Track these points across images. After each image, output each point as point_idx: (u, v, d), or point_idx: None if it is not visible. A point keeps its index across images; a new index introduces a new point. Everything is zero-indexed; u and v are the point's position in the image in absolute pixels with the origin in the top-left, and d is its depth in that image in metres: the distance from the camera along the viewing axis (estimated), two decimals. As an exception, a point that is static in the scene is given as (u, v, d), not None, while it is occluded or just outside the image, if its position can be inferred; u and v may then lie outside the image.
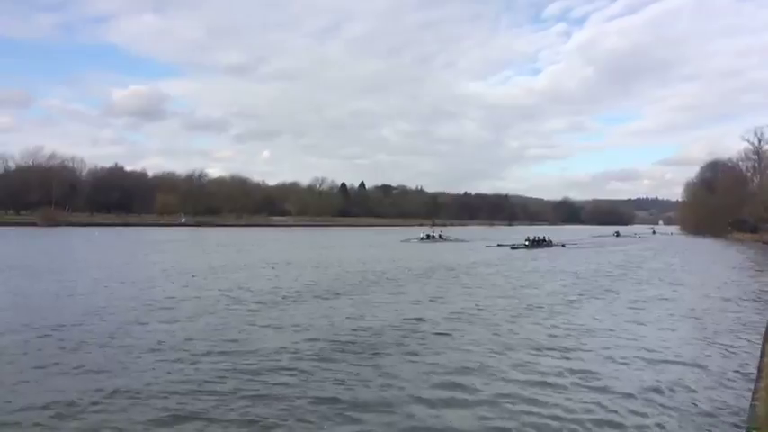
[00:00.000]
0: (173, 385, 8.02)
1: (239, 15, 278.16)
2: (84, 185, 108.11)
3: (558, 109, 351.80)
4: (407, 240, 55.36)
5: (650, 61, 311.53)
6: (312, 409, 7.19)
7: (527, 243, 47.95)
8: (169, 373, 8.64)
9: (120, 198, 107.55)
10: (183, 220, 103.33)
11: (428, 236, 57.48)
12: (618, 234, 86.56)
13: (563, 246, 50.87)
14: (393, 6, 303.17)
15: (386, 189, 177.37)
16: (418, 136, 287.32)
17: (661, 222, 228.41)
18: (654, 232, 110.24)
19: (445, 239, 57.90)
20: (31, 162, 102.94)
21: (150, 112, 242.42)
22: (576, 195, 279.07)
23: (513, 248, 44.89)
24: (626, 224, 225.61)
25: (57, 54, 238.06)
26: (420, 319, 13.09)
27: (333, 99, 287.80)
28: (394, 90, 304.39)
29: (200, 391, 7.78)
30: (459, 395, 7.81)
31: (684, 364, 9.72)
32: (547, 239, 51.42)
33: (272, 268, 26.14)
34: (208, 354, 9.77)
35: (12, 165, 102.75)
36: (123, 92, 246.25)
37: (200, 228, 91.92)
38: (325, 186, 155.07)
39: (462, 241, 57.99)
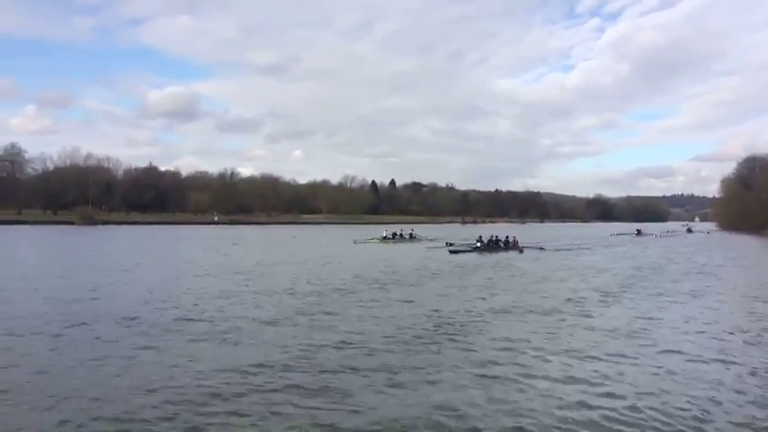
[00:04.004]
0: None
1: (272, 14, 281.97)
2: (120, 185, 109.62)
3: (591, 106, 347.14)
4: (366, 241, 46.10)
5: (687, 56, 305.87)
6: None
7: (479, 245, 36.22)
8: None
9: (154, 197, 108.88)
10: (216, 219, 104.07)
11: (394, 234, 48.44)
12: (639, 232, 74.95)
13: (541, 248, 38.20)
14: (425, 2, 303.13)
15: (416, 187, 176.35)
16: (449, 134, 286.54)
17: (697, 219, 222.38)
18: (689, 230, 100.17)
19: (416, 239, 48.76)
20: (68, 162, 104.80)
21: (184, 112, 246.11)
22: (610, 192, 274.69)
23: (452, 252, 33.78)
24: (661, 221, 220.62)
25: (94, 56, 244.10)
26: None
27: (364, 97, 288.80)
28: (425, 87, 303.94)
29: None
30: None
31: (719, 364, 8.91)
32: (511, 240, 37.89)
33: (321, 263, 26.64)
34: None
35: (50, 165, 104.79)
36: (159, 93, 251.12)
37: (232, 226, 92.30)
38: (355, 184, 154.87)
39: (435, 240, 46.86)
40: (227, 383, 7.61)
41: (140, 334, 10.62)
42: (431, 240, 47.26)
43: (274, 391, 7.39)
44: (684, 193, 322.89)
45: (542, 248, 38.72)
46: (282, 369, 8.28)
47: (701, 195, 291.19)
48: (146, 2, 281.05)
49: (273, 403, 6.93)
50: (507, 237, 38.68)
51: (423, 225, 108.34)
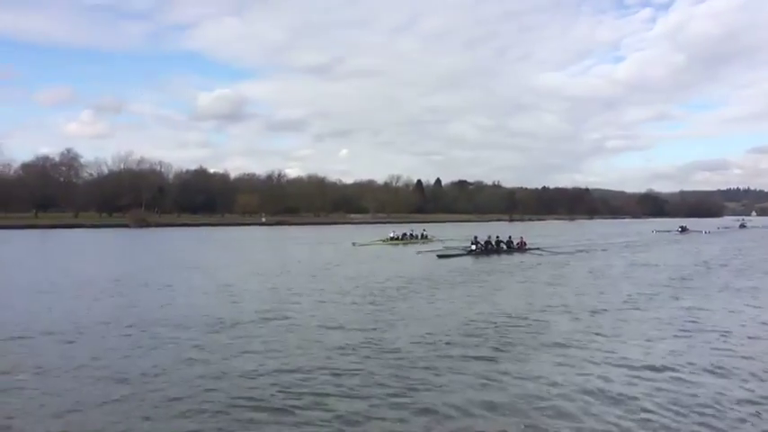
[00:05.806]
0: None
1: (318, 15, 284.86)
2: (171, 188, 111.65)
3: (641, 98, 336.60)
4: (369, 243, 41.47)
5: (742, 45, 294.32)
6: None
7: (474, 248, 31.52)
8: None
9: (204, 199, 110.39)
10: (264, 220, 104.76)
11: (403, 235, 44.85)
12: (684, 229, 66.92)
13: (539, 251, 33.19)
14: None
15: (462, 185, 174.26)
16: (494, 130, 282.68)
17: (754, 213, 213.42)
18: (742, 225, 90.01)
19: (429, 240, 44.28)
20: (122, 166, 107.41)
21: (233, 114, 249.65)
22: (661, 187, 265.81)
23: (440, 257, 29.28)
24: (715, 216, 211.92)
25: (146, 61, 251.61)
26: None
27: (408, 95, 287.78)
28: (469, 84, 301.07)
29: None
30: None
31: None
32: (517, 242, 34.28)
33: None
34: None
35: (105, 170, 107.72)
36: (208, 95, 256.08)
37: (280, 227, 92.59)
38: (401, 183, 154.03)
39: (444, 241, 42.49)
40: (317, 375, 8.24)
41: (235, 329, 11.51)
42: (446, 241, 42.30)
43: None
44: (741, 187, 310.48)
45: (542, 252, 33.31)
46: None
47: (758, 189, 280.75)
48: (194, 7, 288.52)
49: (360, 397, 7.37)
50: (509, 237, 34.67)
51: (469, 223, 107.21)
